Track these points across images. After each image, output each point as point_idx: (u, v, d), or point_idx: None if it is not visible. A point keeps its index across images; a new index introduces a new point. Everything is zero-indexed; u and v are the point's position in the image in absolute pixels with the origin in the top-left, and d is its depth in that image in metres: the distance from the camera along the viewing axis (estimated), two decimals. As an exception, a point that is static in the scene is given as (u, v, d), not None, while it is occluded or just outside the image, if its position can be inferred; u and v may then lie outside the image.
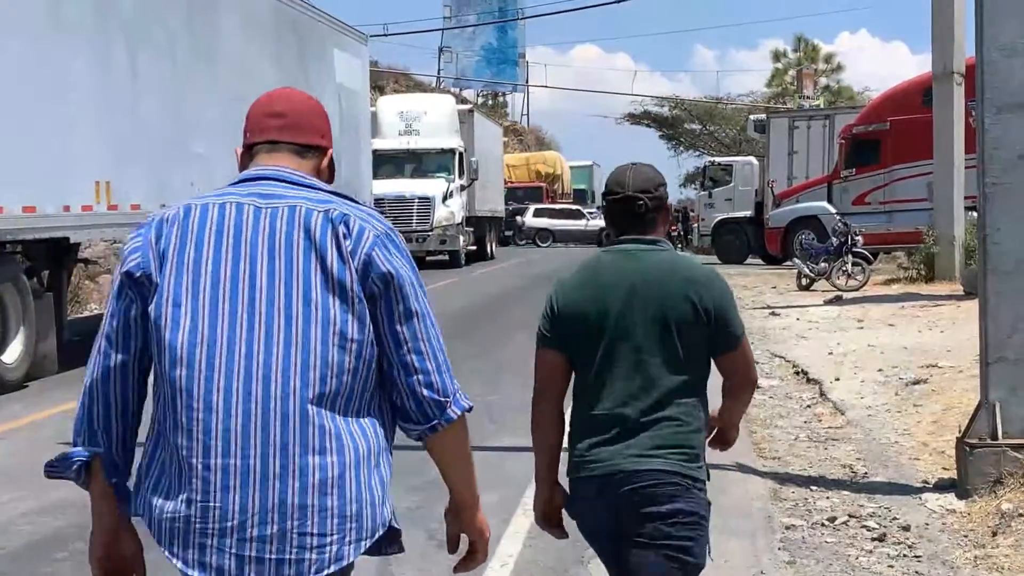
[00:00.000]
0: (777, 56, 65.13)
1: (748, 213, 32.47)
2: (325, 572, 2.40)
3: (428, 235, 29.34)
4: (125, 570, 2.67)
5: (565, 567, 5.54)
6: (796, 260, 22.52)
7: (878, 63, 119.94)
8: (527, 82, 66.89)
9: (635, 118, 67.18)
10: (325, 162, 2.69)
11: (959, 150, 19.29)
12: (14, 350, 11.00)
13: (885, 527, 6.14)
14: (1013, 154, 6.48)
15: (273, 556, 2.36)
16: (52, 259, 12.13)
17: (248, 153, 2.69)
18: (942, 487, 6.82)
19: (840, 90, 60.99)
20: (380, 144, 28.15)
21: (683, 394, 3.30)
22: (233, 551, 2.37)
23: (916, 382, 10.22)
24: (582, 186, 61.34)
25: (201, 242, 2.43)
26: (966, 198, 19.18)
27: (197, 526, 2.40)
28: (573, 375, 3.49)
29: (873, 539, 5.97)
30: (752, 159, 36.43)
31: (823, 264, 21.19)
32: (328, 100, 20.17)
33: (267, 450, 2.35)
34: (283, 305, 2.38)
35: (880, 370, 11.01)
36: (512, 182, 49.49)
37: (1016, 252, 6.49)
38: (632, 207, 3.42)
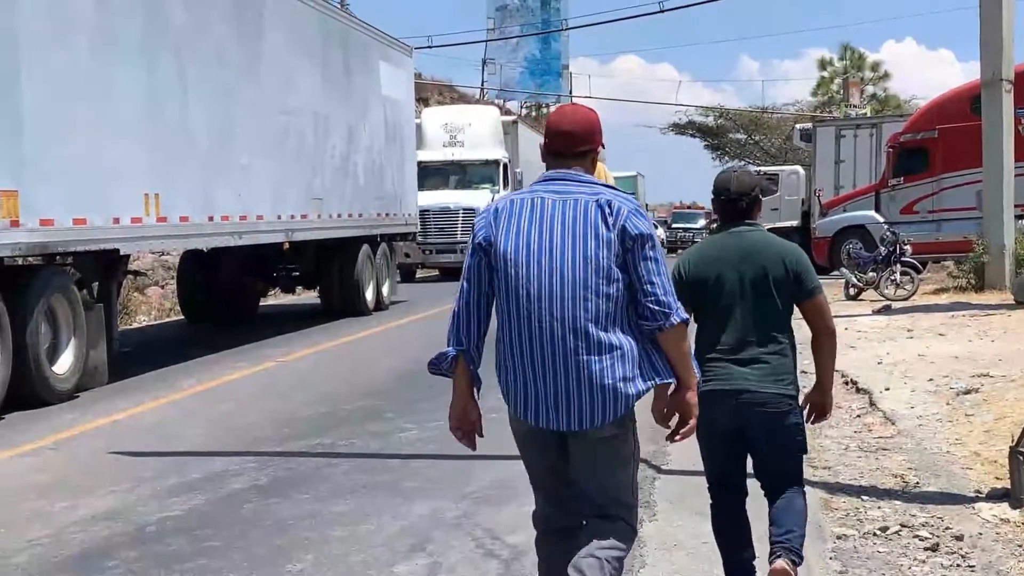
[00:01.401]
0: (823, 65, 64.81)
1: (795, 223, 32.29)
2: (597, 425, 3.87)
3: (473, 246, 29.35)
4: (471, 428, 4.26)
5: None
6: (844, 270, 22.34)
7: (925, 71, 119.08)
8: (571, 93, 66.89)
9: (680, 128, 67.06)
10: (595, 157, 4.02)
11: (1008, 158, 19.08)
12: (65, 361, 11.11)
13: (938, 537, 6.07)
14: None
15: (568, 411, 3.88)
16: (102, 271, 12.24)
17: (547, 155, 4.03)
18: (995, 497, 6.73)
19: (887, 98, 60.57)
20: (425, 155, 28.24)
21: (781, 331, 4.71)
22: (550, 405, 3.91)
23: (967, 391, 10.10)
24: (627, 196, 61.25)
25: (520, 220, 3.87)
26: (1016, 206, 19.00)
27: (529, 391, 3.96)
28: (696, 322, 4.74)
29: (926, 549, 5.90)
30: (798, 168, 36.23)
31: (871, 274, 21.02)
32: (373, 112, 20.31)
33: (564, 351, 3.82)
34: (570, 258, 3.82)
35: (931, 379, 10.90)
36: (556, 193, 49.49)
37: (1070, 258, 6.39)
38: (735, 206, 4.77)
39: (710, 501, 5.08)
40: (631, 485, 4.08)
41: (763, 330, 4.66)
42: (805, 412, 4.80)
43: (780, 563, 4.60)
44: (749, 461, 4.93)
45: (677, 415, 4.05)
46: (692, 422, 4.02)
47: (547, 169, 4.01)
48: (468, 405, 4.18)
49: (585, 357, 3.81)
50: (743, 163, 37.35)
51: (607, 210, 3.82)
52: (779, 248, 4.74)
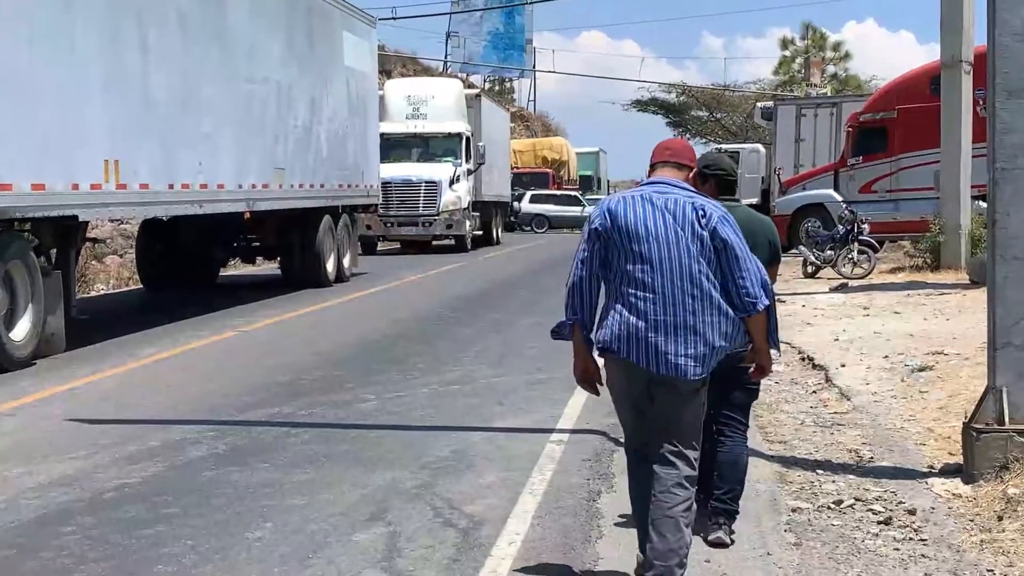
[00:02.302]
0: (785, 44, 64.91)
1: (754, 200, 32.38)
2: (693, 377, 4.65)
3: (434, 219, 29.35)
4: (593, 379, 4.94)
5: (572, 545, 5.56)
6: (802, 248, 22.51)
7: (885, 52, 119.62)
8: (534, 67, 66.83)
9: (642, 105, 67.05)
10: (690, 175, 4.93)
11: (967, 139, 19.24)
12: (22, 328, 11.02)
13: (891, 511, 6.16)
14: (1023, 139, 6.48)
15: (674, 362, 4.63)
16: (60, 237, 12.15)
17: (652, 168, 4.93)
18: (948, 472, 6.83)
19: (848, 79, 60.78)
20: (387, 128, 28.13)
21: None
22: (660, 351, 4.63)
23: (922, 369, 10.23)
24: (588, 172, 61.24)
25: (636, 208, 4.70)
26: (973, 187, 19.16)
27: (641, 342, 4.65)
28: None
29: (879, 522, 5.99)
30: (759, 146, 36.39)
31: (829, 252, 21.18)
32: (336, 82, 20.21)
33: (675, 311, 4.62)
34: (676, 239, 4.63)
35: (886, 357, 11.02)
36: (518, 168, 49.42)
37: (1025, 238, 6.48)
38: (724, 180, 5.71)
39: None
40: (699, 430, 4.86)
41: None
42: (751, 372, 5.23)
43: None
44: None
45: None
46: (767, 371, 5.10)
47: (655, 177, 4.89)
48: (588, 361, 4.90)
49: (692, 319, 4.62)
50: (716, 149, 37.35)
51: (700, 212, 4.66)
52: (760, 222, 5.77)
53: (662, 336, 4.61)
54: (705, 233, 4.64)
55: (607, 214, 4.76)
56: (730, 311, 4.65)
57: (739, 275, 4.64)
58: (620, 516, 5.99)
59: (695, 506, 4.83)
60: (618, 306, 4.71)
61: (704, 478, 5.29)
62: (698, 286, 4.62)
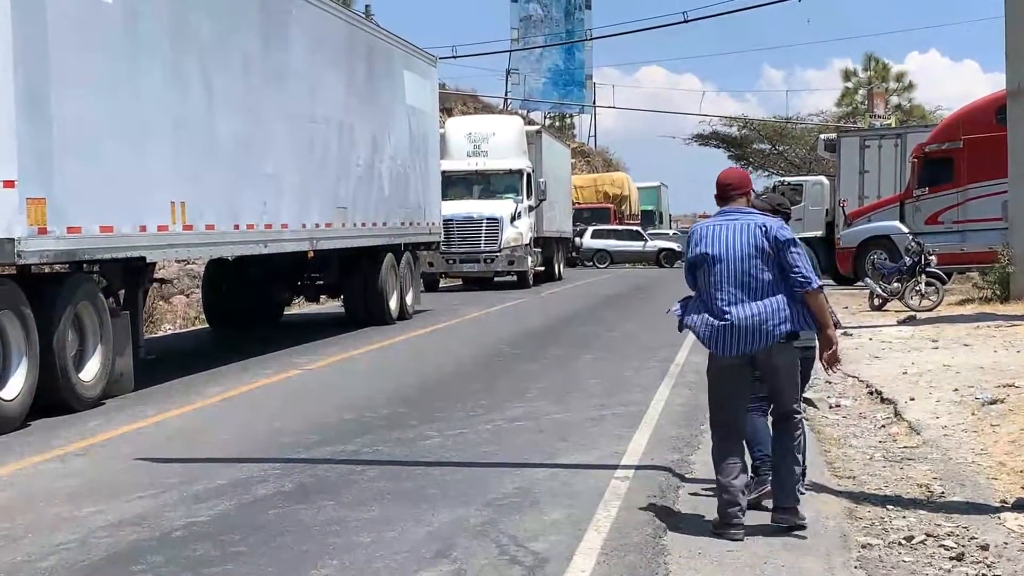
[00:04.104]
0: (847, 75, 64.71)
1: (819, 233, 32.13)
2: (768, 345, 6.19)
3: (496, 256, 29.41)
4: None
5: (638, 583, 5.51)
6: (868, 280, 22.27)
7: (949, 82, 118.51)
8: (594, 103, 66.92)
9: (703, 139, 66.95)
10: (750, 198, 6.56)
11: (1034, 168, 18.99)
12: (92, 368, 11.17)
13: (963, 546, 6.05)
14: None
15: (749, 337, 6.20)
16: (128, 278, 12.31)
17: (723, 200, 6.46)
18: (1021, 507, 6.71)
19: (912, 109, 60.38)
20: (449, 165, 28.27)
21: None
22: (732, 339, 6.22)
23: (993, 402, 10.06)
24: (650, 206, 61.13)
25: (715, 233, 6.30)
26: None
27: (716, 331, 6.26)
28: None
29: (951, 558, 5.89)
30: (822, 178, 36.09)
31: (896, 284, 20.93)
32: (397, 121, 20.38)
33: (739, 305, 6.19)
34: (743, 254, 6.18)
35: (956, 390, 10.86)
36: (580, 203, 49.47)
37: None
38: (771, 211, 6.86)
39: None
40: (797, 392, 6.47)
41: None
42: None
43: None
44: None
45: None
46: (834, 349, 6.31)
47: (719, 207, 6.49)
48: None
49: (750, 311, 6.18)
50: (779, 183, 37.05)
51: (763, 229, 6.24)
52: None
53: (731, 325, 6.21)
54: (767, 242, 6.19)
55: (699, 237, 6.38)
56: (781, 303, 6.18)
57: (795, 264, 6.18)
58: (687, 552, 5.94)
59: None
60: (702, 307, 6.35)
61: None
62: (758, 285, 6.19)
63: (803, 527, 6.29)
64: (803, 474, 6.66)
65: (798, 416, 6.46)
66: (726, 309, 6.20)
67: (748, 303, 6.18)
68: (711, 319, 6.26)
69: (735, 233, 6.26)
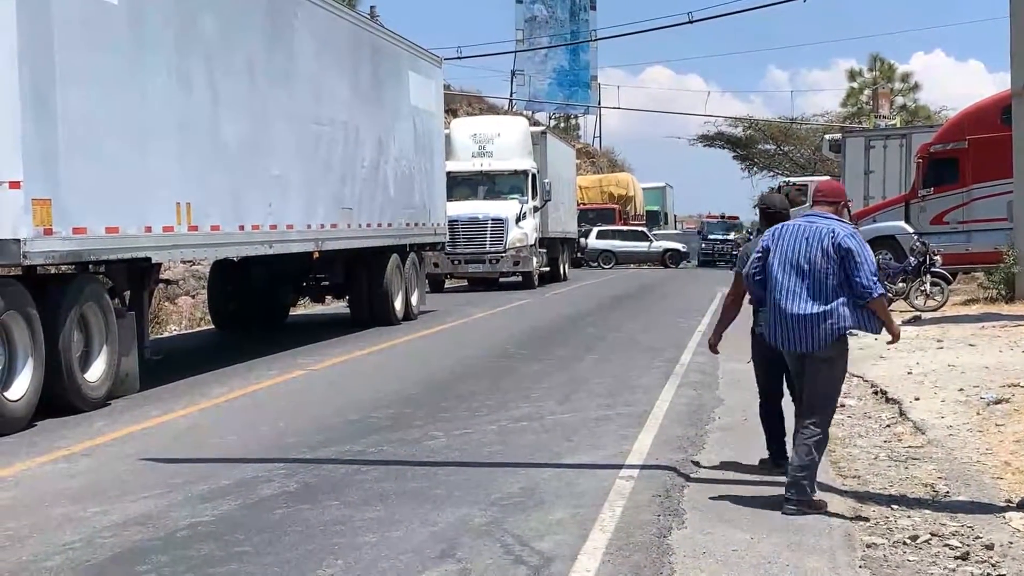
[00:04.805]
0: (852, 76, 64.66)
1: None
2: (813, 349, 6.65)
3: (501, 256, 29.42)
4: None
5: (643, 583, 5.52)
6: (873, 280, 22.21)
7: (954, 82, 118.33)
8: (599, 104, 66.94)
9: (708, 139, 67.00)
10: (839, 209, 7.01)
11: (1040, 168, 18.97)
12: (97, 369, 11.18)
13: (968, 546, 6.05)
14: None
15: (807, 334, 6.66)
16: (134, 279, 12.32)
17: (812, 203, 6.99)
18: (1026, 506, 6.70)
19: (917, 109, 60.34)
20: (454, 166, 28.29)
21: None
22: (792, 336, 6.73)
23: (998, 401, 10.06)
24: (655, 207, 61.12)
25: (785, 236, 6.80)
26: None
27: (778, 328, 6.77)
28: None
29: (956, 558, 5.89)
30: (828, 179, 36.10)
31: (901, 284, 20.91)
32: (403, 122, 20.38)
33: (801, 304, 6.65)
34: (809, 256, 6.63)
35: (961, 390, 10.85)
36: (585, 204, 49.46)
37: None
38: (776, 216, 7.66)
39: (759, 400, 8.02)
40: (834, 399, 6.92)
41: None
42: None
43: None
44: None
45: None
46: (896, 342, 7.09)
47: (815, 209, 6.94)
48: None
49: (811, 311, 6.62)
50: (784, 183, 37.01)
51: (832, 234, 6.64)
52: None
53: (793, 323, 6.69)
54: (832, 247, 6.58)
55: (772, 237, 6.91)
56: (839, 307, 6.59)
57: (858, 273, 6.53)
58: (692, 552, 5.94)
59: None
60: (771, 302, 6.85)
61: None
62: (820, 287, 6.62)
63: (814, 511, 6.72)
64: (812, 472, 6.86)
65: (825, 416, 6.85)
66: (785, 306, 6.70)
67: (807, 302, 6.63)
68: (775, 313, 6.78)
69: (806, 234, 6.72)
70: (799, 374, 6.93)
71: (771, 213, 7.77)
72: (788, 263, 6.72)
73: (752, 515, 6.71)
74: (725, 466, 8.11)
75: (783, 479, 6.96)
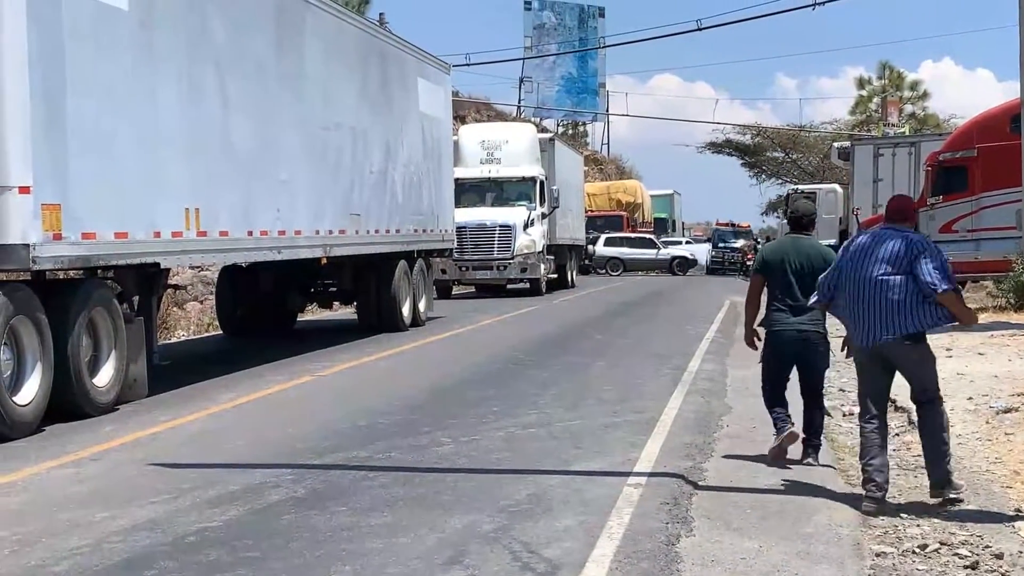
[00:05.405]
0: (861, 83, 64.61)
1: (832, 241, 32.10)
2: (891, 340, 7.18)
3: (509, 263, 29.43)
4: None
5: (651, 591, 5.50)
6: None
7: (963, 90, 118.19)
8: (607, 111, 66.92)
9: (716, 146, 67.00)
10: (912, 223, 7.59)
11: (1049, 177, 18.92)
12: (106, 374, 11.19)
13: (978, 555, 6.03)
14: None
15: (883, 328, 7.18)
16: (143, 284, 12.33)
17: (886, 219, 7.47)
18: (1036, 516, 6.68)
19: (926, 118, 60.27)
20: (462, 173, 28.28)
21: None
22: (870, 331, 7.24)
23: (1007, 410, 10.03)
24: (663, 214, 61.09)
25: (863, 243, 7.38)
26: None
27: (860, 325, 7.29)
28: (766, 287, 8.66)
29: (965, 567, 5.87)
30: (836, 187, 36.14)
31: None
32: (411, 128, 20.40)
33: (879, 304, 7.17)
34: (882, 262, 7.16)
35: (970, 398, 10.83)
36: (593, 211, 49.45)
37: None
38: (800, 221, 8.80)
39: (763, 391, 8.77)
40: (931, 380, 7.37)
41: (806, 294, 8.16)
42: (842, 349, 7.77)
43: (795, 431, 8.47)
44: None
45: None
46: (968, 322, 7.49)
47: (887, 225, 7.40)
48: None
49: (885, 310, 7.12)
50: (792, 191, 36.88)
51: (906, 242, 7.14)
52: (820, 248, 8.66)
53: (871, 320, 7.18)
54: (905, 254, 7.08)
55: (846, 248, 7.52)
56: (911, 303, 7.10)
57: (928, 271, 7.00)
58: (700, 560, 5.93)
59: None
60: (847, 305, 7.36)
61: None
62: (893, 287, 7.09)
63: (960, 500, 7.10)
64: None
65: (936, 400, 7.33)
66: (864, 303, 7.20)
67: (882, 300, 7.13)
68: (855, 308, 7.28)
69: (883, 240, 7.24)
70: (884, 374, 7.38)
71: (796, 218, 8.80)
72: (866, 264, 7.20)
73: (761, 523, 6.70)
74: (734, 474, 8.09)
75: (789, 489, 6.91)
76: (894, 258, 7.10)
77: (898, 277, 7.08)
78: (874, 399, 7.35)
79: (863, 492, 7.12)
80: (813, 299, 7.79)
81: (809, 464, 8.33)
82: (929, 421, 7.28)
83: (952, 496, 7.07)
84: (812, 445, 8.49)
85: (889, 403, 11.18)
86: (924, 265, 7.03)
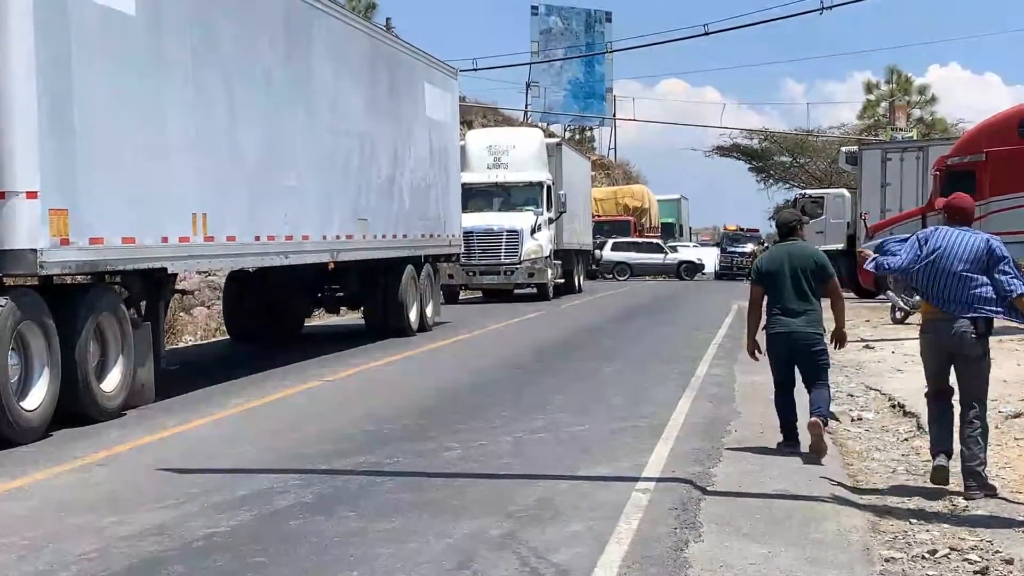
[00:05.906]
0: (869, 88, 64.46)
1: (840, 246, 32.06)
2: (961, 338, 7.65)
3: (516, 268, 29.42)
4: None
5: (660, 596, 5.48)
6: (890, 293, 22.16)
7: (971, 95, 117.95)
8: (614, 116, 66.91)
9: (724, 151, 66.89)
10: (977, 223, 8.90)
11: (1058, 181, 18.88)
12: (113, 379, 11.20)
13: (987, 560, 6.01)
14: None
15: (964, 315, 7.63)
16: (150, 289, 12.34)
17: (949, 219, 7.87)
18: (1046, 521, 6.65)
19: (934, 122, 60.14)
20: (469, 177, 28.29)
21: (813, 302, 8.90)
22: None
23: (1016, 415, 10.00)
24: (670, 219, 61.03)
25: (943, 237, 7.67)
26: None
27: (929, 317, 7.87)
28: (765, 296, 9.03)
29: (975, 572, 5.84)
30: (844, 191, 36.02)
31: (918, 297, 20.69)
32: (418, 133, 20.41)
33: (962, 301, 7.58)
34: (966, 258, 7.54)
35: (979, 403, 10.76)
36: (600, 216, 49.42)
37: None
38: (782, 230, 9.30)
39: (775, 392, 9.17)
40: (982, 386, 7.79)
41: (804, 297, 8.87)
42: (832, 343, 8.93)
43: (814, 419, 8.59)
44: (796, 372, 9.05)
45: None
46: None
47: (950, 225, 7.77)
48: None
49: (967, 308, 7.48)
50: (800, 195, 36.78)
51: (986, 244, 7.52)
52: (812, 251, 9.22)
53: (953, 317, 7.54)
54: (986, 254, 7.45)
55: (918, 240, 7.75)
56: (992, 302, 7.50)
57: (1005, 276, 7.43)
58: (709, 565, 5.91)
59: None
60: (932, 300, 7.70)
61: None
62: (976, 286, 7.44)
63: (993, 489, 7.50)
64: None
65: (980, 408, 7.68)
66: (942, 300, 7.57)
67: (957, 298, 7.50)
68: (934, 303, 7.65)
69: (963, 239, 7.58)
70: (943, 371, 7.83)
71: (779, 228, 9.35)
72: (946, 261, 7.55)
73: (770, 529, 6.68)
74: (743, 479, 8.07)
75: (801, 491, 6.99)
76: (976, 257, 7.50)
77: (981, 276, 7.50)
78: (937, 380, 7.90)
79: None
80: (891, 266, 7.95)
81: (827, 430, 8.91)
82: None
83: (972, 485, 7.41)
84: (820, 415, 8.71)
85: (896, 407, 11.24)
86: (1004, 269, 7.48)
